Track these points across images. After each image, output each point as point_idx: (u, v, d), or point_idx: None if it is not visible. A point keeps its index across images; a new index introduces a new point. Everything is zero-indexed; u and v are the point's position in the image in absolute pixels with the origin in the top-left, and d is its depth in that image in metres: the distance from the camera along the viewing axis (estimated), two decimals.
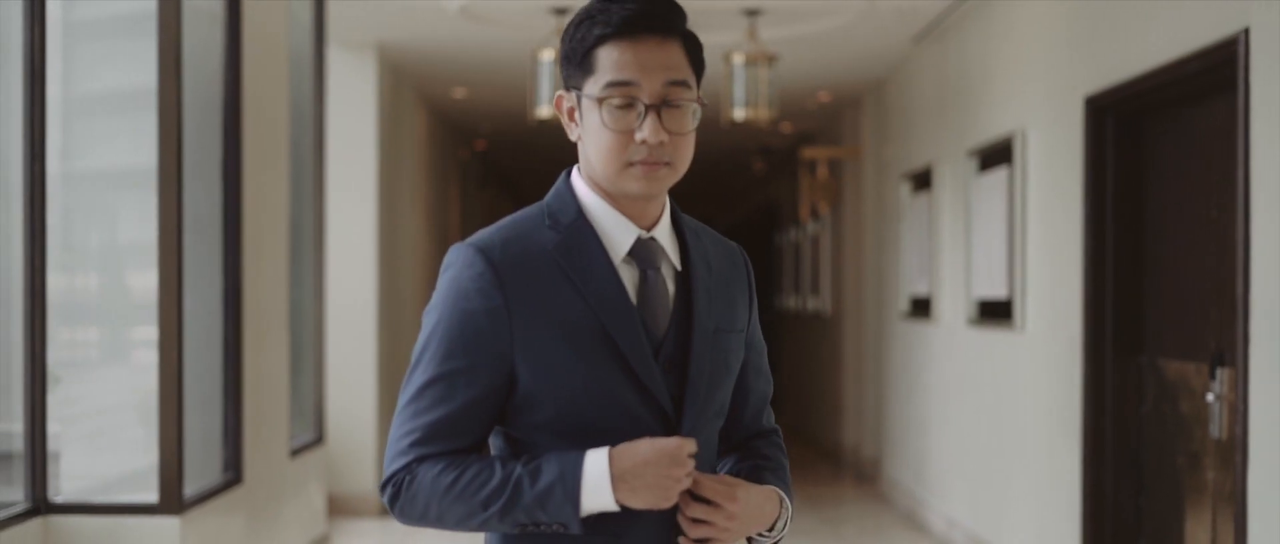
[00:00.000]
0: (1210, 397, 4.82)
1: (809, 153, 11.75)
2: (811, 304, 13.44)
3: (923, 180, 8.78)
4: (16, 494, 4.94)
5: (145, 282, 5.89)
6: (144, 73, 5.57)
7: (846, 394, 11.49)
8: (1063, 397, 6.11)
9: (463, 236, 13.81)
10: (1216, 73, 4.69)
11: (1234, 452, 4.52)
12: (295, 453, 6.86)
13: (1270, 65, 4.24)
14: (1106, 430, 5.78)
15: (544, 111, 7.94)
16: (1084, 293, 5.83)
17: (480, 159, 15.33)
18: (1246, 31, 4.36)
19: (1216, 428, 4.80)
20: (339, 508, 8.70)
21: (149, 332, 5.98)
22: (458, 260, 2.00)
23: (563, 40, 2.07)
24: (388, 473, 1.99)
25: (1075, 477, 5.95)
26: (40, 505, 4.91)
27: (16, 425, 5.21)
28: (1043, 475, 6.41)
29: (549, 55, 7.87)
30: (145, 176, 5.71)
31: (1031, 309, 6.55)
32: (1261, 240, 4.30)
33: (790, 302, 14.97)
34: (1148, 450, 5.62)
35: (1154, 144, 5.59)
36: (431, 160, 11.45)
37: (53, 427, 5.25)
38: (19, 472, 5.02)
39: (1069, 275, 6.02)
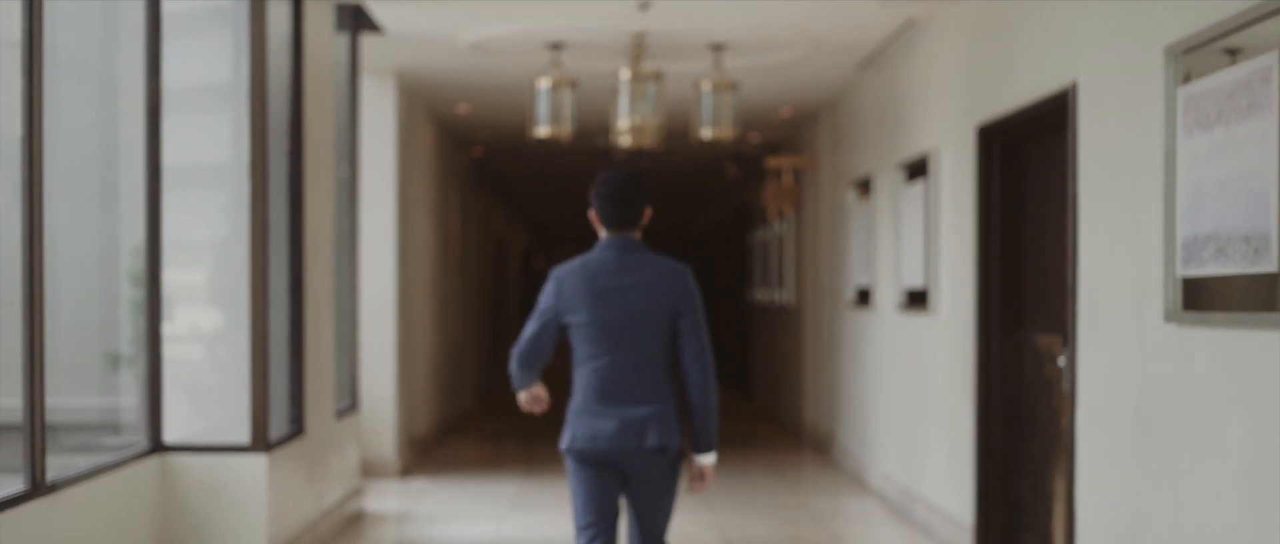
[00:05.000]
0: (1061, 361, 6.28)
1: (774, 162, 13.13)
2: (779, 297, 14.82)
3: (865, 187, 10.22)
4: (129, 440, 6.35)
5: (169, 278, 7.03)
6: (182, 74, 6.73)
7: (807, 376, 12.93)
8: (962, 367, 7.56)
9: (462, 236, 15.27)
10: (1061, 113, 6.14)
11: (1069, 402, 5.99)
12: (339, 415, 8.29)
13: (1091, 109, 5.69)
14: (993, 393, 7.24)
15: (542, 131, 9.38)
16: (976, 283, 7.28)
17: (477, 166, 16.74)
18: (1075, 84, 5.82)
19: (1065, 385, 6.25)
20: (363, 470, 10.12)
21: (168, 327, 7.12)
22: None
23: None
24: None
25: (970, 432, 7.41)
26: (156, 445, 6.33)
27: (114, 399, 6.59)
28: (949, 432, 7.86)
29: (546, 83, 9.31)
30: (174, 176, 6.90)
31: (943, 296, 8.00)
32: (1085, 241, 5.75)
33: (761, 295, 16.34)
34: (1025, 408, 7.07)
35: (1030, 165, 7.04)
36: (436, 168, 12.87)
37: (127, 400, 6.64)
38: (117, 435, 6.41)
39: (965, 269, 7.47)
